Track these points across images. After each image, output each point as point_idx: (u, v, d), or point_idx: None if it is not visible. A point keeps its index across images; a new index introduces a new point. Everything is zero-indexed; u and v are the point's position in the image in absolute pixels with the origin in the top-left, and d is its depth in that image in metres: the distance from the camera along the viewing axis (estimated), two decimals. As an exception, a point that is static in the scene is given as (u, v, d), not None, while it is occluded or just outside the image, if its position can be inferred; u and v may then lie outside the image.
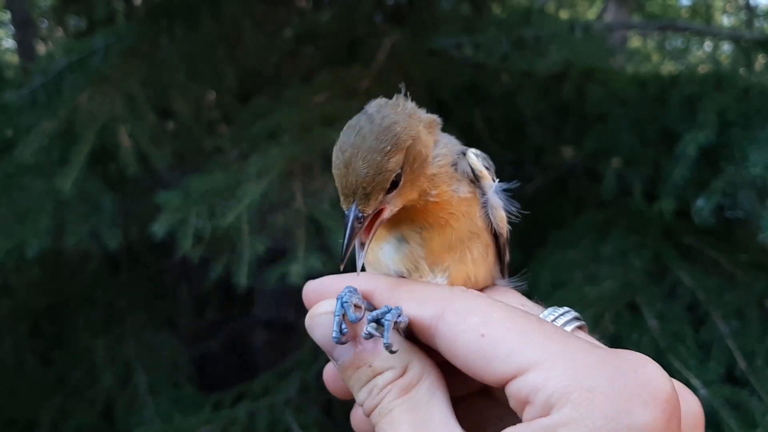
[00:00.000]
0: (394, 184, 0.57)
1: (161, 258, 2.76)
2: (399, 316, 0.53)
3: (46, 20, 5.65)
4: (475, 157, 0.63)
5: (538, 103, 2.29)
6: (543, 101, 2.29)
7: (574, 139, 2.35)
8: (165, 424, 1.99)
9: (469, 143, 0.65)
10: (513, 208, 0.66)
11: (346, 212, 0.57)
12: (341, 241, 0.56)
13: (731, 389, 1.49)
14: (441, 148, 0.62)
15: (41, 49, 4.71)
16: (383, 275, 0.61)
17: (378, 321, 0.54)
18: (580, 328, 0.58)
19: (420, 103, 0.65)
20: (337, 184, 0.58)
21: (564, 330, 0.52)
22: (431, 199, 0.60)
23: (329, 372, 0.64)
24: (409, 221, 0.61)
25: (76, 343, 2.39)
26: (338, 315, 0.55)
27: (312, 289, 0.61)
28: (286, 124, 1.79)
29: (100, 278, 2.62)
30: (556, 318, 0.57)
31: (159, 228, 1.59)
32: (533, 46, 2.45)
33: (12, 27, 5.40)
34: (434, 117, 0.64)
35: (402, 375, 0.52)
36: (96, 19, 3.00)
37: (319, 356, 2.04)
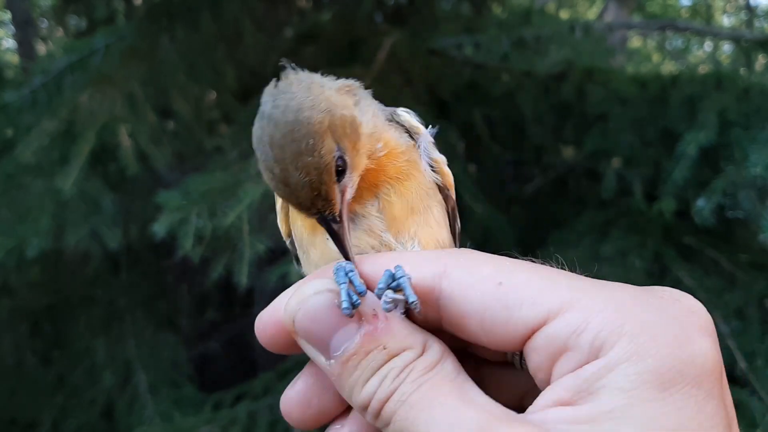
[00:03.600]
0: (343, 167, 0.51)
1: (161, 258, 2.76)
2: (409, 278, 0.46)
3: (46, 20, 5.66)
4: (406, 114, 0.58)
5: (538, 103, 2.29)
6: (543, 101, 2.29)
7: (574, 139, 2.35)
8: (165, 424, 1.99)
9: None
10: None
11: (318, 220, 0.51)
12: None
13: (731, 389, 1.49)
14: (365, 106, 0.55)
15: (41, 49, 4.71)
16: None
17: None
18: None
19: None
20: (288, 203, 0.52)
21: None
22: (380, 153, 0.54)
23: (293, 398, 0.52)
24: (368, 191, 0.55)
25: (76, 343, 2.39)
26: (344, 283, 0.46)
27: (267, 316, 0.51)
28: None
29: (100, 278, 2.62)
30: None
31: (159, 228, 1.59)
32: (533, 46, 2.45)
33: (12, 27, 5.40)
34: (348, 82, 0.56)
35: (422, 354, 0.45)
36: (96, 18, 3.01)
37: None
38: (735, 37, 2.54)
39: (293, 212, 0.58)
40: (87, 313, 2.48)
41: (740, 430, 1.42)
